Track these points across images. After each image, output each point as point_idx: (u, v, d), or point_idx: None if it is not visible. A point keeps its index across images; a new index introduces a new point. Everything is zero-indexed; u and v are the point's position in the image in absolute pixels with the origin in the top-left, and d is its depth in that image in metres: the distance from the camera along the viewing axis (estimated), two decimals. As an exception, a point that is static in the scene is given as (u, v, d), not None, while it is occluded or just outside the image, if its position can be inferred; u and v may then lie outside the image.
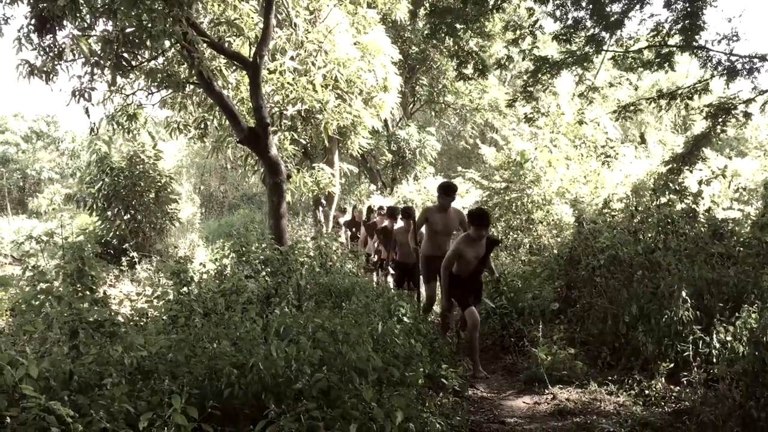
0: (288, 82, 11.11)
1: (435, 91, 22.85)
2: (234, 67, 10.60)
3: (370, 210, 13.70)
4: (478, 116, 24.66)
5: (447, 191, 7.57)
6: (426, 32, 13.26)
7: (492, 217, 7.29)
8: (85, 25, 7.37)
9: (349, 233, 13.90)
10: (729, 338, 4.96)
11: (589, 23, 10.31)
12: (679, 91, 10.49)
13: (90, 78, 7.71)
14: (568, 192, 11.72)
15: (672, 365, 5.33)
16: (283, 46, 11.62)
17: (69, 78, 7.71)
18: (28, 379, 2.84)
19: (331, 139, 14.42)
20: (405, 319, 5.78)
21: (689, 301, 5.44)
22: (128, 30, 7.09)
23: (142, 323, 5.15)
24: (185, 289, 5.79)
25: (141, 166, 15.61)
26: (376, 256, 10.46)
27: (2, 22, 8.55)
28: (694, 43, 9.77)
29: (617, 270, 6.91)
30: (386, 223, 9.81)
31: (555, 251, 9.55)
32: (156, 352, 3.77)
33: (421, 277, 7.99)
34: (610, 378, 5.66)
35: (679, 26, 9.74)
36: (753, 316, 4.85)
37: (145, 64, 8.79)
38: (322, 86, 11.53)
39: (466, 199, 15.22)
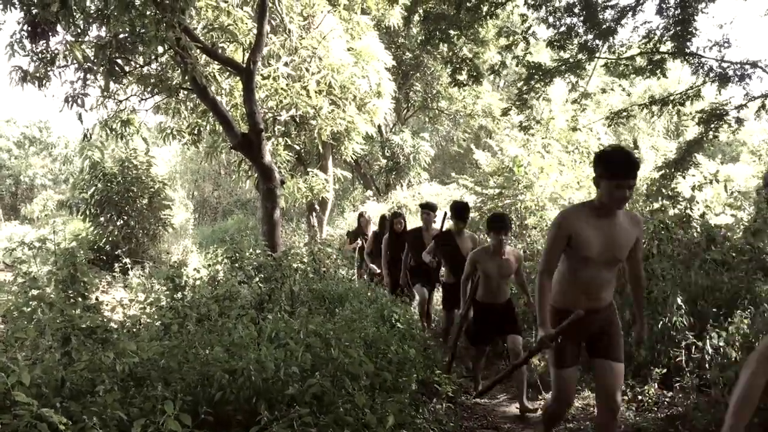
0: (282, 88, 11.12)
1: (429, 96, 22.86)
2: (227, 73, 10.62)
3: (383, 218, 9.35)
4: (472, 122, 24.68)
5: (625, 168, 3.40)
6: (420, 38, 13.29)
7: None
8: (78, 31, 7.36)
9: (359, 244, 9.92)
10: (722, 344, 4.97)
11: (582, 30, 10.35)
12: (672, 98, 10.52)
13: (83, 84, 7.72)
14: (561, 198, 11.73)
15: (665, 371, 5.35)
16: (277, 51, 11.64)
17: (62, 84, 7.70)
18: (19, 386, 2.82)
19: (325, 145, 14.44)
20: (398, 324, 5.77)
21: (683, 307, 5.45)
22: (121, 35, 7.10)
23: (134, 330, 5.14)
24: (178, 295, 5.77)
25: (134, 171, 15.56)
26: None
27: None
28: (686, 50, 9.81)
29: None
30: (435, 227, 7.13)
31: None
32: (149, 359, 3.77)
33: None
34: (603, 384, 5.66)
35: (671, 33, 9.78)
36: (745, 321, 4.88)
37: (139, 69, 8.80)
38: (315, 92, 11.55)
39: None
